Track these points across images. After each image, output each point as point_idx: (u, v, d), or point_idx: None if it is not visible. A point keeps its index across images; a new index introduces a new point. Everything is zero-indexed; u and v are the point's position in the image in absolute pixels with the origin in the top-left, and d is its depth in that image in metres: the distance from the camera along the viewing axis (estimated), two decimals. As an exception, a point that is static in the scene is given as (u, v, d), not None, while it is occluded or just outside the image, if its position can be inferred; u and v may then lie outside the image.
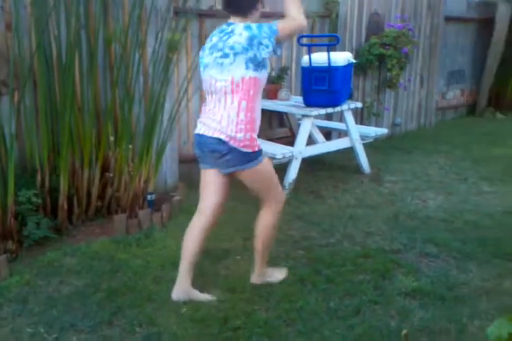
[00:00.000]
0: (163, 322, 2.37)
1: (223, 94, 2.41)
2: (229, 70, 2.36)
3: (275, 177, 2.68)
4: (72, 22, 3.19)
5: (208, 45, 2.49)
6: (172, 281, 2.71)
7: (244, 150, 2.44)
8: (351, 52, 5.39)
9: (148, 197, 3.59)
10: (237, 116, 2.39)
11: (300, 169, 4.25)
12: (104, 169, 3.55)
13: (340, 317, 2.44)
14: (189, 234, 2.67)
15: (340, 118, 5.12)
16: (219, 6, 4.36)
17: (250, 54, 2.33)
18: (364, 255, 3.08)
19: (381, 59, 5.76)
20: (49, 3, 3.19)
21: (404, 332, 2.28)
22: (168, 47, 3.46)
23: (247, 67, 2.34)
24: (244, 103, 2.38)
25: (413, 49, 6.11)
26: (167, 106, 3.72)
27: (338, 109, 4.54)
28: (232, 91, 2.38)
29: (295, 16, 2.37)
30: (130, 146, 3.55)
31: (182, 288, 2.57)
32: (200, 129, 2.57)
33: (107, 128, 3.51)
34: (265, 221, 2.71)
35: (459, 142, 6.00)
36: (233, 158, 2.49)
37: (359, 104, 4.85)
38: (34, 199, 3.11)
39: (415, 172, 4.79)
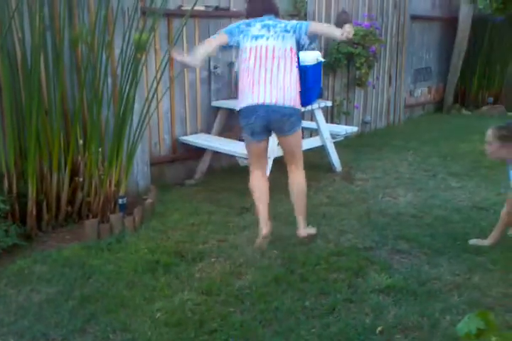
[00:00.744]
0: (138, 328, 2.34)
1: (282, 58, 3.07)
2: (287, 41, 3.10)
3: None
4: (37, 23, 3.12)
5: (256, 26, 3.14)
6: (145, 286, 2.69)
7: (300, 111, 3.16)
8: (320, 51, 5.43)
9: (120, 200, 3.54)
10: (296, 81, 3.10)
11: (272, 169, 4.25)
12: (74, 173, 3.49)
13: (316, 316, 2.45)
14: (259, 184, 3.36)
15: (311, 117, 5.14)
16: (187, 6, 4.34)
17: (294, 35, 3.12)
18: (337, 253, 3.10)
19: (350, 57, 5.81)
20: (11, 5, 3.12)
21: (379, 329, 2.33)
22: (136, 47, 3.42)
23: (293, 42, 3.13)
24: (295, 69, 3.13)
25: (380, 47, 6.19)
26: (137, 107, 3.68)
27: (308, 108, 4.56)
28: (289, 57, 3.10)
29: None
30: (100, 149, 3.50)
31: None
32: (267, 99, 3.03)
33: (75, 131, 3.45)
34: (301, 178, 3.34)
35: (427, 138, 6.10)
36: (296, 119, 3.14)
37: (329, 103, 4.89)
38: (2, 205, 3.05)
39: (385, 170, 4.85)
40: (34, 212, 3.26)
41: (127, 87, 3.45)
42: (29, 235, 3.25)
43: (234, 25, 3.27)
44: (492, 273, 2.84)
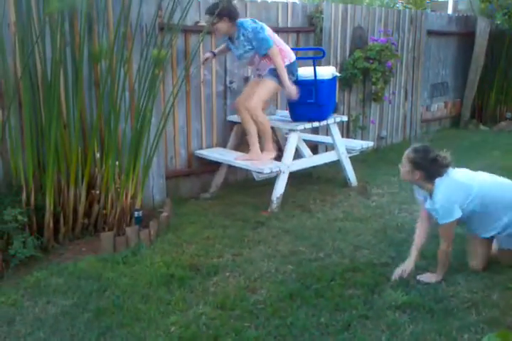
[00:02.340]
0: (153, 342, 2.34)
1: None
2: None
3: None
4: (57, 39, 3.18)
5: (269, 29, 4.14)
6: (160, 300, 2.69)
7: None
8: (336, 66, 5.46)
9: (136, 213, 3.56)
10: None
11: (287, 183, 4.26)
12: (91, 186, 3.53)
13: (331, 332, 2.43)
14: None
15: (327, 131, 5.15)
16: (203, 22, 4.40)
17: None
18: (353, 269, 3.07)
19: (365, 72, 5.82)
20: (33, 22, 3.19)
21: (395, 346, 2.30)
22: (154, 63, 3.47)
23: None
24: None
25: (396, 62, 6.20)
26: (153, 121, 3.72)
27: (324, 122, 4.57)
28: None
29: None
30: (117, 163, 3.53)
31: None
32: None
33: (93, 144, 3.49)
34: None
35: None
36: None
37: (345, 118, 4.89)
38: (20, 217, 3.08)
39: (401, 185, 4.81)
40: (51, 225, 3.29)
41: (145, 102, 3.49)
42: (46, 247, 3.28)
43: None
44: (510, 290, 2.79)
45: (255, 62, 4.26)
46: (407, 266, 2.93)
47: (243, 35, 4.09)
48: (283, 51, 4.19)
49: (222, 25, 4.03)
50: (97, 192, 3.52)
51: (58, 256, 3.25)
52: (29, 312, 2.60)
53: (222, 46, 4.40)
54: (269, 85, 4.21)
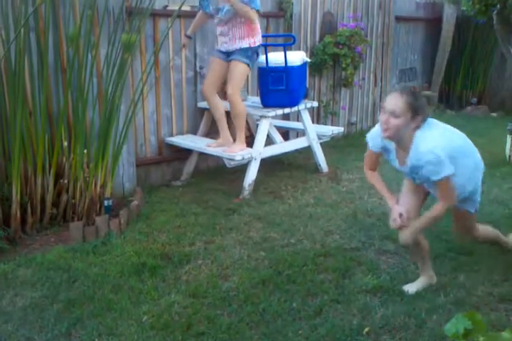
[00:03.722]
0: (124, 332, 2.32)
1: None
2: None
3: None
4: (21, 24, 3.08)
5: None
6: (131, 289, 2.67)
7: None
8: (306, 52, 5.45)
9: (105, 202, 3.51)
10: None
11: (259, 170, 4.25)
12: (59, 175, 3.46)
13: (303, 317, 2.45)
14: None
15: (297, 117, 5.15)
16: (172, 6, 4.32)
17: None
18: (324, 254, 3.11)
19: (335, 58, 5.83)
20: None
21: (366, 329, 2.34)
22: (123, 48, 3.39)
23: None
24: None
25: (366, 48, 6.22)
26: (122, 108, 3.66)
27: (295, 109, 4.57)
28: None
29: None
30: (85, 151, 3.47)
31: None
32: None
33: (60, 132, 3.42)
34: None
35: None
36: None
37: (315, 104, 4.90)
38: (-15, 208, 3.01)
39: (372, 170, 4.86)
40: (18, 215, 3.22)
41: (113, 88, 3.42)
42: (13, 238, 3.21)
43: None
44: (477, 272, 2.86)
45: (230, 24, 4.09)
46: (395, 212, 2.57)
47: None
48: (254, 33, 4.15)
49: None
50: (65, 181, 3.45)
51: (26, 247, 3.19)
52: (-3, 304, 2.55)
53: (197, 18, 4.29)
54: (241, 69, 4.15)
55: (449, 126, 2.54)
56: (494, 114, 7.58)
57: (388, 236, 3.33)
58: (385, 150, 2.58)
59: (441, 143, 2.35)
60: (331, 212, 3.81)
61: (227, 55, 4.18)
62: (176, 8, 4.24)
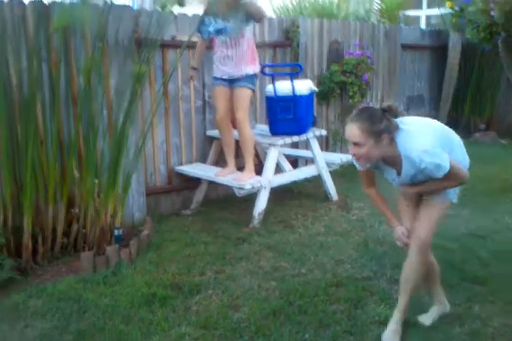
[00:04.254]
0: (135, 364, 2.30)
1: None
2: None
3: None
4: (34, 55, 3.15)
5: None
6: (141, 320, 2.65)
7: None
8: (313, 80, 5.50)
9: (116, 232, 3.51)
10: None
11: (269, 198, 4.25)
12: (70, 205, 3.48)
13: (316, 349, 2.42)
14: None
15: (306, 146, 5.17)
16: (180, 36, 4.41)
17: None
18: (336, 284, 3.07)
19: (343, 86, 5.89)
20: (7, 36, 3.15)
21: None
22: (134, 79, 3.45)
23: None
24: None
25: (372, 76, 6.28)
26: (132, 138, 3.69)
27: (303, 137, 4.59)
28: None
29: None
30: (95, 181, 3.49)
31: None
32: None
33: (71, 162, 3.45)
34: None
35: (421, 165, 6.11)
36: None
37: (324, 132, 4.92)
38: (-3, 239, 3.02)
39: (381, 197, 4.85)
40: (30, 245, 3.23)
41: (123, 119, 3.46)
42: (24, 268, 3.21)
43: None
44: (492, 303, 2.82)
45: (235, 47, 4.12)
46: (398, 232, 2.56)
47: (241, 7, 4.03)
48: (255, 59, 4.24)
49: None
50: (76, 210, 3.46)
51: (37, 277, 3.18)
52: (6, 336, 2.53)
53: (199, 46, 4.30)
54: (248, 94, 4.21)
55: (418, 118, 2.52)
56: (503, 140, 7.57)
57: (400, 265, 3.26)
58: (375, 168, 2.50)
59: (428, 139, 2.26)
60: (342, 240, 3.79)
61: (230, 82, 4.21)
62: (184, 38, 4.35)
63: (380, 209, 2.66)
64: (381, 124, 2.22)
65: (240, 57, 4.13)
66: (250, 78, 4.18)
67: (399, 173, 2.37)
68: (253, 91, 4.27)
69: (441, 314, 2.68)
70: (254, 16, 4.04)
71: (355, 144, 2.23)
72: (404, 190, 2.51)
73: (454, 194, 2.53)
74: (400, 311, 2.54)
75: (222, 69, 4.19)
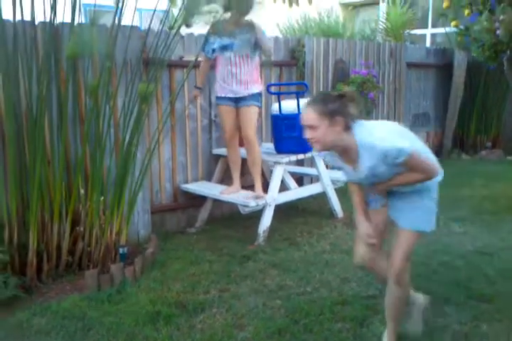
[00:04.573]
0: (138, 383, 2.28)
1: None
2: None
3: None
4: (44, 75, 3.20)
5: None
6: (146, 338, 2.64)
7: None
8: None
9: (121, 250, 3.52)
10: None
11: (274, 216, 4.25)
12: (75, 222, 3.49)
13: (321, 369, 2.39)
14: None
15: (311, 163, 5.18)
16: (187, 56, 4.46)
17: None
18: (341, 302, 3.05)
19: (348, 105, 5.91)
20: (19, 57, 3.20)
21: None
22: (140, 98, 3.49)
23: None
24: None
25: (378, 94, 6.31)
26: (138, 156, 3.72)
27: (308, 154, 4.61)
28: None
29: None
30: (101, 198, 3.51)
31: None
32: None
33: (77, 180, 3.47)
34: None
35: (428, 183, 6.10)
36: None
37: (329, 149, 4.92)
38: (1, 256, 3.03)
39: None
40: (34, 263, 3.23)
41: (129, 137, 3.50)
42: (29, 286, 3.20)
43: None
44: (499, 321, 2.78)
45: (241, 65, 4.14)
46: (363, 228, 2.48)
47: (250, 27, 4.10)
48: (260, 78, 4.31)
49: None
50: (81, 228, 3.47)
51: (41, 295, 3.18)
52: (11, 355, 2.52)
53: (202, 66, 4.33)
54: (255, 112, 4.25)
55: (382, 121, 2.49)
56: (509, 158, 7.55)
57: (406, 283, 3.26)
58: (337, 166, 2.45)
59: (384, 129, 2.27)
60: (347, 258, 3.76)
61: (235, 101, 4.22)
62: (191, 58, 4.40)
63: (355, 203, 2.57)
64: (334, 105, 2.19)
65: (247, 76, 4.15)
66: (256, 96, 4.22)
67: (357, 169, 2.30)
68: (259, 108, 4.31)
69: (423, 310, 2.64)
70: (263, 51, 4.15)
71: (310, 127, 2.19)
72: (375, 190, 2.43)
73: (428, 222, 2.45)
74: (389, 338, 2.52)
75: (226, 87, 4.19)
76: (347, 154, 2.29)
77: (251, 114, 4.21)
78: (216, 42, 4.13)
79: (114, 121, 3.74)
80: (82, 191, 3.51)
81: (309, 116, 2.19)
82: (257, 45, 4.12)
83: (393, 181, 2.33)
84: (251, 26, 4.09)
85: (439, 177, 2.41)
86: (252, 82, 4.18)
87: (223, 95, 4.23)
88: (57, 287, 3.27)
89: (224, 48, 4.11)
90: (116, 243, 3.55)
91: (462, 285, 3.23)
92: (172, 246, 4.08)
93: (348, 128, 2.22)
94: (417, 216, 2.41)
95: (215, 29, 4.05)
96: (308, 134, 2.21)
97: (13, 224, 3.22)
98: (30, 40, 3.23)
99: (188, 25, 3.64)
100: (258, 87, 4.24)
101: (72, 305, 2.99)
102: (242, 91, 4.17)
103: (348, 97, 2.23)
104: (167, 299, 3.09)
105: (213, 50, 4.18)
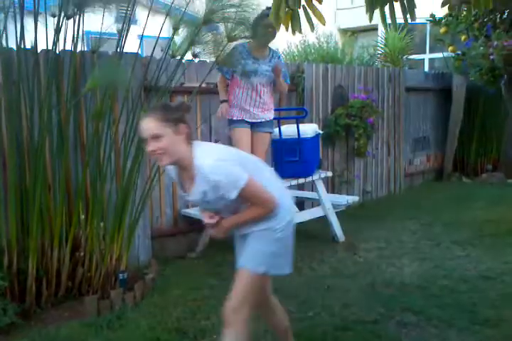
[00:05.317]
0: None
1: None
2: None
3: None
4: (45, 102, 3.24)
5: None
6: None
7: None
8: (318, 123, 5.59)
9: (121, 275, 3.49)
10: None
11: (274, 240, 4.23)
12: (75, 248, 3.48)
13: None
14: None
15: (312, 187, 5.19)
16: (188, 83, 4.52)
17: None
18: (343, 327, 3.01)
19: (348, 129, 5.96)
20: (21, 83, 3.25)
21: None
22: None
23: None
24: None
25: (378, 118, 6.36)
26: (139, 182, 3.73)
27: (309, 179, 4.62)
28: None
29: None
30: (102, 224, 3.51)
31: None
32: None
33: (78, 206, 3.48)
34: None
35: (428, 207, 6.10)
36: None
37: (329, 173, 4.95)
38: (0, 282, 3.01)
39: (389, 239, 4.82)
40: (33, 289, 3.22)
41: (130, 164, 3.52)
42: (27, 312, 3.18)
43: None
44: (504, 347, 2.75)
45: (263, 91, 4.20)
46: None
47: (273, 56, 4.25)
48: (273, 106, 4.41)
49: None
50: (81, 254, 3.46)
51: (40, 321, 3.15)
52: (8, 383, 2.49)
53: (221, 82, 4.30)
54: (269, 139, 4.37)
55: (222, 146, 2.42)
56: (510, 181, 7.55)
57: (408, 308, 3.24)
58: (177, 179, 2.29)
59: (222, 152, 2.17)
60: (349, 282, 3.74)
61: (251, 125, 4.24)
62: (191, 84, 4.47)
63: None
64: (176, 113, 2.11)
65: (266, 102, 4.23)
66: (271, 123, 4.33)
67: (191, 189, 2.15)
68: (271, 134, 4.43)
69: None
70: (276, 87, 4.26)
71: (154, 138, 2.04)
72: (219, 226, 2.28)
73: (257, 263, 2.22)
74: None
75: (245, 111, 4.17)
76: (186, 171, 2.14)
77: (266, 140, 4.31)
78: (240, 64, 4.11)
79: (116, 148, 3.77)
80: (82, 216, 3.51)
81: (150, 125, 2.05)
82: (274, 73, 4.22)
83: (233, 219, 2.21)
84: (275, 55, 4.26)
85: (288, 217, 2.25)
86: (270, 108, 4.29)
87: (240, 118, 4.21)
88: (57, 313, 3.24)
89: (247, 73, 4.10)
90: (117, 268, 3.53)
91: (466, 309, 3.19)
92: (172, 271, 4.05)
93: (189, 141, 2.11)
94: (248, 254, 2.23)
95: (223, 62, 3.95)
96: (151, 147, 2.06)
97: (12, 250, 3.21)
98: (32, 67, 3.28)
99: (195, 56, 3.71)
100: (273, 114, 4.34)
101: (71, 332, 2.96)
102: (261, 117, 4.22)
103: (184, 108, 2.16)
104: (167, 325, 3.06)
105: (233, 71, 4.18)
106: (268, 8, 4.07)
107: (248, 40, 4.09)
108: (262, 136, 4.26)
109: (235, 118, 4.23)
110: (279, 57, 4.33)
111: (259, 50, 4.20)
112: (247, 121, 4.22)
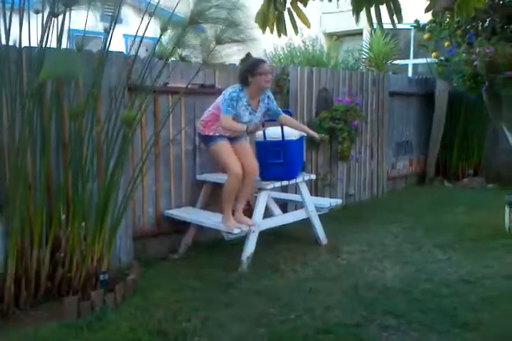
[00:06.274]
0: None
1: None
2: None
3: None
4: (27, 100, 3.19)
5: None
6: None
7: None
8: (303, 126, 5.58)
9: (101, 276, 3.45)
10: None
11: (257, 242, 4.23)
12: (55, 248, 3.43)
13: None
14: None
15: (296, 190, 5.19)
16: (172, 83, 4.49)
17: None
18: (325, 330, 3.01)
19: (332, 132, 5.98)
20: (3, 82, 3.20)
21: None
22: (125, 124, 3.49)
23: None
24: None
25: (362, 122, 6.40)
26: (121, 182, 3.69)
27: (293, 181, 4.62)
28: None
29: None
30: (83, 224, 3.46)
31: None
32: None
33: (58, 206, 3.43)
34: None
35: (411, 210, 6.15)
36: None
37: (313, 176, 4.96)
38: (-22, 282, 2.96)
39: (371, 242, 4.84)
40: (12, 289, 3.16)
41: (113, 163, 3.48)
42: (6, 313, 3.12)
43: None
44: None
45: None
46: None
47: (268, 97, 4.35)
48: None
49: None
50: (62, 254, 3.41)
51: (19, 322, 3.09)
52: (-16, 385, 2.44)
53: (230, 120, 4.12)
54: (249, 144, 4.48)
55: None
56: (491, 186, 7.64)
57: (390, 312, 3.25)
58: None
59: None
60: (331, 285, 3.74)
61: (230, 139, 4.27)
62: (176, 85, 4.44)
63: None
64: None
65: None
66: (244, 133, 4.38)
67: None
68: None
69: None
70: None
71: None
72: None
73: None
74: None
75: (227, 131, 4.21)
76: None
77: (248, 145, 4.41)
78: (237, 115, 4.12)
79: (98, 147, 3.72)
80: (63, 217, 3.46)
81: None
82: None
83: None
84: (264, 95, 4.30)
85: None
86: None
87: (223, 134, 4.20)
88: (36, 314, 3.19)
89: (243, 121, 4.16)
90: (98, 269, 3.49)
91: (446, 313, 3.21)
92: (154, 272, 4.02)
93: None
94: None
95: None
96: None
97: (-9, 250, 3.16)
98: (15, 64, 3.23)
99: (182, 59, 3.69)
100: None
101: (50, 333, 2.91)
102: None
103: None
104: (148, 327, 3.02)
105: (235, 115, 4.12)
106: (249, 55, 4.22)
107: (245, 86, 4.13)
108: (242, 144, 4.33)
109: (217, 135, 4.20)
110: (268, 96, 4.34)
111: (255, 98, 4.22)
112: (225, 136, 4.21)
